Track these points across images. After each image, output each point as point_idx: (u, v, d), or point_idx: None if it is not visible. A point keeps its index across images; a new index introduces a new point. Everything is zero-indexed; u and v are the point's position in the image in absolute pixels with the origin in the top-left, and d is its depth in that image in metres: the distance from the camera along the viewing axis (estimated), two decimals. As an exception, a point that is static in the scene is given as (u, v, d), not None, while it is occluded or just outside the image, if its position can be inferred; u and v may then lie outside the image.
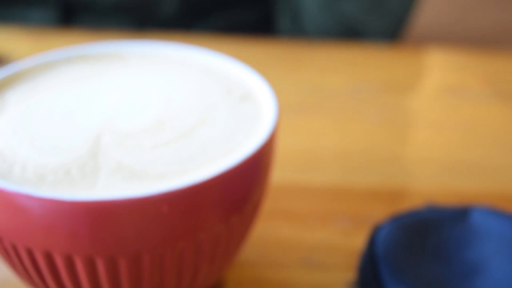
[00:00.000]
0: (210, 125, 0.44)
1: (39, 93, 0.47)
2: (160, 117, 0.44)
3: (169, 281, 0.42)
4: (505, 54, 0.85)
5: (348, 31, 0.93)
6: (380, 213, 0.57)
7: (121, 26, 0.96)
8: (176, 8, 0.96)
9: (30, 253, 0.40)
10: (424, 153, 0.67)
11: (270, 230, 0.56)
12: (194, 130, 0.43)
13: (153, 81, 0.48)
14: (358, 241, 0.54)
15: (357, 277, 0.49)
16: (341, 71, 0.81)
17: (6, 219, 0.39)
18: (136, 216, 0.37)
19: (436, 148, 0.68)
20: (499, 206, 0.54)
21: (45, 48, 0.84)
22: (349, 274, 0.52)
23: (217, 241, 0.42)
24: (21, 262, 0.41)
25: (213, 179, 0.38)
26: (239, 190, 0.41)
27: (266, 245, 0.55)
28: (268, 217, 0.57)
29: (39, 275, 0.41)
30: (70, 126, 0.43)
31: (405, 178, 0.63)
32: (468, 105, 0.75)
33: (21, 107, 0.45)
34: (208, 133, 0.43)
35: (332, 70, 0.82)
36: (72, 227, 0.37)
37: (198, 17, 0.99)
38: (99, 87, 0.48)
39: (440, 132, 0.70)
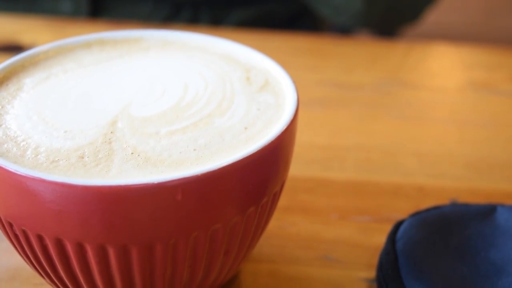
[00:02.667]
0: (228, 113, 0.42)
1: (55, 77, 0.46)
2: (178, 104, 0.43)
3: (182, 273, 0.41)
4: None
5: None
6: (402, 211, 0.56)
7: (152, 11, 0.95)
8: None
9: (40, 240, 0.39)
10: (449, 150, 0.65)
11: (289, 225, 0.55)
12: (212, 117, 0.42)
13: (172, 67, 0.47)
14: (378, 239, 0.52)
15: (377, 274, 0.47)
16: (365, 67, 0.80)
17: (17, 204, 0.38)
18: (149, 203, 0.36)
19: (461, 145, 0.66)
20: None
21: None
22: (368, 272, 0.50)
23: (233, 232, 0.41)
24: (32, 249, 0.40)
25: (230, 167, 0.37)
26: (257, 180, 0.40)
27: (284, 240, 0.54)
28: (287, 211, 0.56)
29: (49, 263, 0.40)
30: (85, 111, 0.42)
31: (429, 176, 0.61)
32: (494, 103, 0.73)
33: (36, 91, 0.44)
34: (226, 121, 0.42)
35: (355, 65, 0.80)
36: (84, 213, 0.36)
37: (229, 4, 0.98)
38: (116, 72, 0.47)
39: (466, 129, 0.69)
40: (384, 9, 0.92)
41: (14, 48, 0.80)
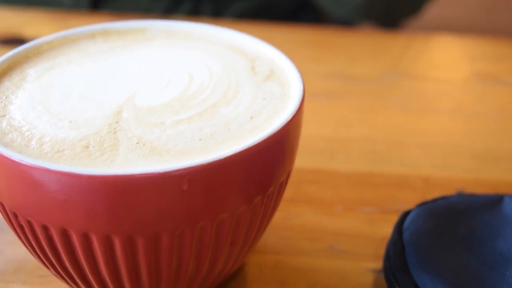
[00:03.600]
0: (234, 102, 0.42)
1: (59, 67, 0.46)
2: (183, 93, 0.43)
3: (188, 263, 0.40)
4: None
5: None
6: (408, 202, 0.55)
7: (153, 4, 0.95)
8: None
9: (46, 231, 0.39)
10: (455, 142, 0.65)
11: (294, 216, 0.55)
12: (217, 107, 0.42)
13: (177, 58, 0.47)
14: (384, 230, 0.52)
15: (384, 265, 0.47)
16: (370, 58, 0.79)
17: (22, 194, 0.38)
18: (155, 193, 0.36)
19: (467, 137, 0.65)
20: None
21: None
22: (375, 262, 0.50)
23: (239, 222, 0.40)
24: (37, 240, 0.40)
25: (236, 156, 0.37)
26: (263, 169, 0.39)
27: (289, 231, 0.53)
28: (293, 203, 0.56)
29: (55, 254, 0.40)
30: (90, 101, 0.42)
31: (435, 167, 0.61)
32: (500, 94, 0.73)
33: (40, 82, 0.44)
34: (232, 110, 0.41)
35: (360, 57, 0.80)
36: (89, 203, 0.36)
37: None
38: (121, 62, 0.46)
39: (472, 120, 0.68)
40: (386, 1, 0.91)
41: (16, 41, 0.80)
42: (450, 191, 0.57)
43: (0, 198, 0.40)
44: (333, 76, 0.75)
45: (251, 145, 0.37)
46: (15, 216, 0.40)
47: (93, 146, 0.38)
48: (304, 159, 0.59)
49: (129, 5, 0.95)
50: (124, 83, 0.44)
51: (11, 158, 0.36)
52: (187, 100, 0.42)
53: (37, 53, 0.47)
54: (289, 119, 0.40)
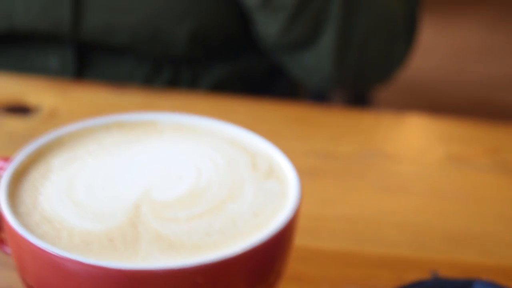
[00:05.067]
0: (239, 200, 0.48)
1: (81, 159, 0.51)
2: (193, 189, 0.48)
3: None
4: (510, 127, 0.89)
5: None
6: (387, 281, 0.61)
7: (134, 67, 1.00)
8: (186, 49, 1.00)
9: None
10: (428, 223, 0.70)
11: (283, 293, 0.60)
12: (224, 204, 0.47)
13: (185, 152, 0.52)
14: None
15: None
16: (352, 137, 0.85)
17: (52, 283, 0.42)
18: (173, 286, 0.41)
19: (441, 218, 0.71)
20: (501, 280, 0.58)
21: (70, 99, 0.88)
22: None
23: (242, 308, 0.46)
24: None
25: (244, 254, 0.42)
26: (267, 262, 0.45)
27: (278, 307, 0.58)
28: (281, 280, 0.60)
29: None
30: (111, 194, 0.47)
31: (411, 247, 0.66)
32: (472, 176, 0.79)
33: (64, 173, 0.49)
34: (238, 207, 0.47)
35: (342, 136, 0.85)
36: (114, 292, 0.41)
37: (209, 60, 1.03)
38: (135, 155, 0.52)
39: (444, 202, 0.74)
40: (354, 71, 0.97)
41: (20, 109, 0.84)
42: (424, 271, 0.62)
43: (31, 283, 0.44)
44: (315, 154, 0.81)
45: (257, 244, 0.43)
46: (43, 300, 0.44)
47: (117, 240, 0.43)
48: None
49: (112, 72, 1.00)
50: (140, 177, 0.49)
51: (46, 250, 0.41)
52: (197, 196, 0.47)
53: (59, 144, 0.52)
54: (290, 217, 0.46)
